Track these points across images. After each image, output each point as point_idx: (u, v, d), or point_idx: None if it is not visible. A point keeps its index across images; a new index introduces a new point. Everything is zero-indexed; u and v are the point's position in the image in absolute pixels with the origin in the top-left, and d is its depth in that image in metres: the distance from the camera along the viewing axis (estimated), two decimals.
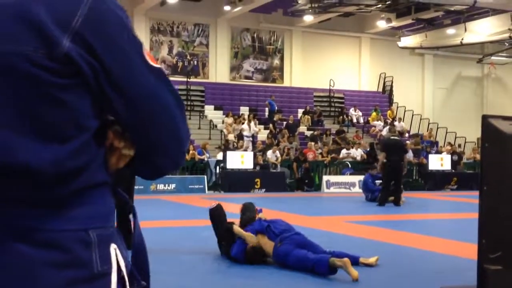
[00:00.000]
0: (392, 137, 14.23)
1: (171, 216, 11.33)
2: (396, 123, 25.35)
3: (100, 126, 1.19)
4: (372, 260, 6.24)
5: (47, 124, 1.12)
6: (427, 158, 20.94)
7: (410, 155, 21.60)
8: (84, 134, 1.16)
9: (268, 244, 6.12)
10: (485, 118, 2.77)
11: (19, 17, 1.11)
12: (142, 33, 24.73)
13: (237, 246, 6.37)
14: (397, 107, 27.75)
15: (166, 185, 17.38)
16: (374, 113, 26.28)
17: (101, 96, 1.17)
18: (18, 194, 1.12)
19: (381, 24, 26.20)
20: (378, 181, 14.49)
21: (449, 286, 2.99)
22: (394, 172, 13.10)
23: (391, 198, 13.42)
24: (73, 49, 1.12)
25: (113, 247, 1.20)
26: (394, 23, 25.65)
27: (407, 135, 25.33)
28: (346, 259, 5.55)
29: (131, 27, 1.21)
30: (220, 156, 19.08)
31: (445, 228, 9.97)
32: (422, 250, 7.51)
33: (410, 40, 27.32)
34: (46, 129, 1.12)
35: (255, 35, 26.93)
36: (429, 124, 27.19)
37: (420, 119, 27.64)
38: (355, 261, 6.06)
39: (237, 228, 6.50)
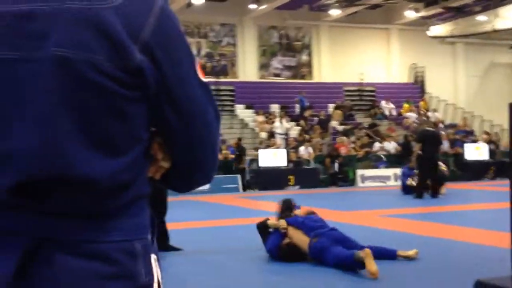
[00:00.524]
0: (428, 128, 14.01)
1: (206, 217, 11.37)
2: (429, 113, 25.01)
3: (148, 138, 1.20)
4: (410, 253, 6.13)
5: (107, 135, 1.11)
6: (462, 148, 20.59)
7: (445, 146, 21.30)
8: (138, 146, 1.16)
9: (302, 239, 6.04)
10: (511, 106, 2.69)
11: (93, 25, 1.09)
12: None
13: (271, 241, 6.33)
14: (430, 98, 27.36)
15: None
16: (406, 105, 25.94)
17: (155, 109, 1.17)
18: (69, 206, 1.11)
19: (410, 14, 25.84)
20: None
21: (486, 278, 2.92)
22: (430, 163, 12.91)
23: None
24: (144, 61, 1.11)
25: (153, 257, 1.21)
26: (423, 13, 25.26)
27: (441, 125, 24.95)
28: (367, 250, 5.33)
29: (188, 41, 1.22)
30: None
31: (483, 218, 9.77)
32: (459, 241, 7.38)
33: (440, 29, 26.89)
34: (106, 140, 1.11)
35: (282, 32, 26.85)
36: (463, 113, 26.75)
37: (454, 108, 27.20)
38: (392, 255, 5.98)
39: (271, 221, 6.49)
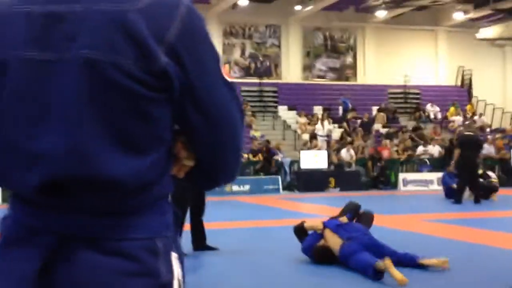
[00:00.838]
0: (467, 133, 13.77)
1: (246, 217, 11.42)
2: (476, 117, 24.49)
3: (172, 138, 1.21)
4: (434, 261, 5.80)
5: (132, 136, 1.13)
6: (510, 153, 20.10)
7: (491, 151, 20.83)
8: (162, 147, 1.17)
9: (336, 242, 6.00)
10: None
11: (119, 27, 1.10)
12: (215, 37, 25.09)
13: (308, 241, 6.35)
14: (477, 101, 26.79)
15: (241, 186, 17.53)
16: (452, 108, 25.47)
17: (180, 110, 1.18)
18: (95, 205, 1.14)
19: (458, 16, 25.36)
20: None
21: None
22: (469, 168, 12.71)
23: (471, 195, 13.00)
24: (169, 64, 1.12)
25: (174, 255, 1.21)
26: (472, 14, 24.76)
27: (488, 129, 24.40)
28: (387, 261, 5.23)
29: (213, 42, 1.22)
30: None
31: None
32: (497, 247, 7.23)
33: (490, 31, 26.33)
34: (130, 141, 1.13)
35: (327, 34, 26.73)
36: (511, 118, 26.08)
37: (503, 112, 26.56)
38: (412, 262, 5.80)
39: (308, 223, 6.48)
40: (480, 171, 14.66)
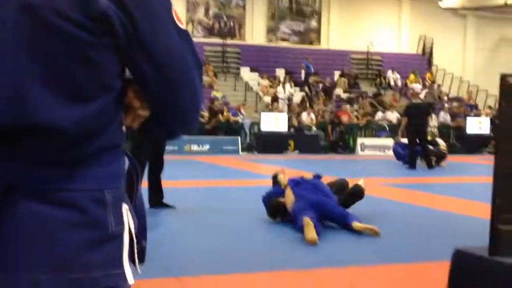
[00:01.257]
0: (415, 101, 14.29)
1: (204, 177, 11.47)
2: (435, 86, 24.92)
3: (121, 86, 1.18)
4: (368, 226, 5.76)
5: (74, 83, 1.10)
6: (465, 121, 20.59)
7: (447, 118, 21.28)
8: (108, 94, 1.14)
9: (290, 198, 6.17)
10: (504, 77, 2.70)
11: None
12: None
13: (268, 193, 6.56)
14: (437, 70, 27.20)
15: (200, 145, 17.53)
16: (412, 76, 25.81)
17: (127, 55, 1.14)
18: (37, 154, 1.11)
19: None
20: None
21: (464, 247, 2.97)
22: (417, 135, 13.18)
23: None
24: (109, 6, 1.09)
25: (125, 207, 1.19)
26: None
27: (446, 98, 24.85)
28: (306, 219, 5.45)
29: None
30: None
31: (473, 190, 9.84)
32: (447, 212, 7.47)
33: (453, 1, 26.55)
34: (72, 88, 1.10)
35: None
36: (469, 86, 26.61)
37: (460, 81, 27.05)
38: (344, 224, 5.90)
39: (280, 176, 6.52)
40: (429, 138, 15.08)
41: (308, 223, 5.45)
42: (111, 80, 1.14)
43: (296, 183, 6.36)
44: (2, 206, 1.10)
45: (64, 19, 1.07)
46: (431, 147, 14.25)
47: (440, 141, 14.89)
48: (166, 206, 7.14)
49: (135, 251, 1.22)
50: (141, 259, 1.25)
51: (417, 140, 13.27)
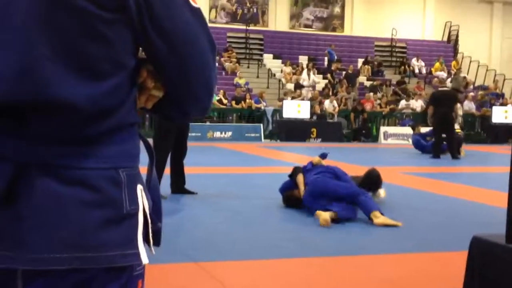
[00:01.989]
0: (441, 89, 13.91)
1: (225, 163, 11.51)
2: (462, 75, 24.59)
3: (135, 65, 1.17)
4: (386, 222, 5.65)
5: (87, 59, 1.10)
6: (491, 110, 20.31)
7: (472, 107, 21.02)
8: (121, 72, 1.13)
9: (301, 187, 6.30)
10: None
11: None
12: None
13: (284, 184, 6.63)
14: (463, 58, 26.83)
15: (223, 132, 17.59)
16: (437, 64, 25.51)
17: (141, 34, 1.14)
18: (51, 131, 1.11)
19: None
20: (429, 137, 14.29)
21: (482, 234, 2.98)
22: (444, 123, 12.84)
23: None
24: None
25: (139, 187, 1.19)
26: None
27: (471, 86, 24.54)
28: (317, 213, 5.67)
29: None
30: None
31: (500, 180, 9.74)
32: (470, 201, 7.41)
33: None
34: (86, 64, 1.10)
35: None
36: (495, 75, 26.21)
37: (486, 70, 26.66)
38: (367, 210, 5.80)
39: (299, 177, 6.52)
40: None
41: (320, 213, 5.65)
42: (124, 57, 1.14)
43: (307, 170, 6.44)
44: (18, 185, 1.10)
45: None
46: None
47: (457, 127, 14.70)
48: (188, 192, 7.20)
49: (150, 232, 1.21)
50: (157, 241, 1.24)
51: (444, 129, 12.91)
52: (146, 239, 1.21)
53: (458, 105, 14.67)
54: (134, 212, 1.17)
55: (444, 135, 13.12)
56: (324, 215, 5.56)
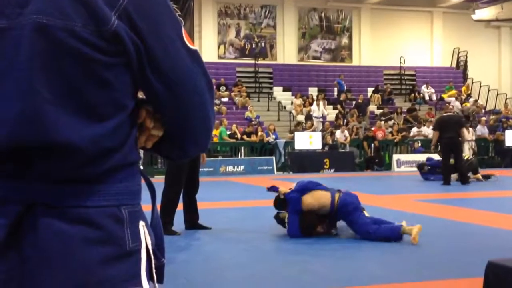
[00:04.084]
0: (446, 114, 13.83)
1: (239, 197, 11.50)
2: (470, 99, 24.60)
3: (135, 105, 1.20)
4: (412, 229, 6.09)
5: (88, 102, 1.12)
6: (504, 134, 20.22)
7: (485, 132, 20.94)
8: (122, 114, 1.16)
9: (324, 196, 6.37)
10: None
11: None
12: (210, 17, 25.02)
13: (291, 224, 6.58)
14: (472, 83, 26.84)
15: (235, 166, 17.63)
16: (447, 89, 25.53)
17: (140, 76, 1.17)
18: (54, 172, 1.14)
19: None
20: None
21: (496, 259, 2.96)
22: (450, 148, 12.73)
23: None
24: (121, 26, 1.12)
25: (141, 224, 1.21)
26: None
27: (483, 111, 24.49)
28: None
29: (172, 7, 1.21)
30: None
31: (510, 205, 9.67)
32: (485, 226, 7.34)
33: (485, 13, 26.28)
34: (87, 107, 1.13)
35: (323, 15, 26.66)
36: (506, 99, 26.16)
37: (497, 94, 26.62)
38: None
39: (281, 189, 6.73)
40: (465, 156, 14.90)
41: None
42: (124, 99, 1.17)
43: (305, 183, 6.70)
44: (23, 225, 1.12)
45: (77, 39, 1.10)
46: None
47: (466, 153, 14.70)
48: (202, 227, 7.19)
49: (153, 268, 1.23)
50: (160, 278, 1.26)
51: (452, 154, 12.83)
52: (150, 276, 1.22)
53: (470, 129, 14.61)
54: (136, 248, 1.18)
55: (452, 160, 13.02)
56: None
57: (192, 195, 7.19)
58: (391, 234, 6.10)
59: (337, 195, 6.43)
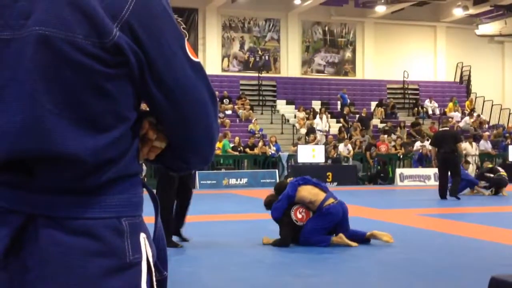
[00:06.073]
0: (442, 129, 13.81)
1: (241, 210, 11.49)
2: (475, 114, 24.61)
3: (137, 117, 1.20)
4: (382, 235, 6.51)
5: (90, 113, 1.12)
6: (507, 149, 20.19)
7: (488, 146, 20.91)
8: (123, 125, 1.16)
9: (320, 194, 6.55)
10: None
11: (72, 3, 1.11)
12: (214, 30, 25.14)
13: (278, 208, 6.86)
14: (476, 97, 26.86)
15: (238, 179, 17.62)
16: (451, 104, 25.54)
17: (142, 88, 1.17)
18: (55, 183, 1.14)
19: (458, 12, 25.41)
20: None
21: (499, 275, 2.95)
22: (447, 163, 12.67)
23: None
24: (122, 38, 1.11)
25: (142, 236, 1.20)
26: (471, 11, 24.80)
27: (486, 126, 24.48)
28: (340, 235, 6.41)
29: (175, 19, 1.20)
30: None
31: None
32: (483, 240, 7.33)
33: (489, 28, 26.31)
34: (89, 118, 1.12)
35: (326, 28, 26.76)
36: (509, 114, 26.15)
37: (500, 109, 26.62)
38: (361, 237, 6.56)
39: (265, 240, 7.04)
40: (490, 165, 14.85)
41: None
42: (126, 110, 1.17)
43: (300, 178, 6.90)
44: (23, 236, 1.12)
45: (79, 50, 1.10)
46: (490, 174, 14.01)
47: (500, 168, 14.66)
48: (181, 237, 7.05)
49: (154, 280, 1.22)
50: None
51: (449, 168, 12.74)
52: None
53: (474, 144, 14.57)
54: (137, 261, 1.17)
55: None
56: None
57: (183, 202, 7.08)
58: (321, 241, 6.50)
59: (330, 200, 6.53)
